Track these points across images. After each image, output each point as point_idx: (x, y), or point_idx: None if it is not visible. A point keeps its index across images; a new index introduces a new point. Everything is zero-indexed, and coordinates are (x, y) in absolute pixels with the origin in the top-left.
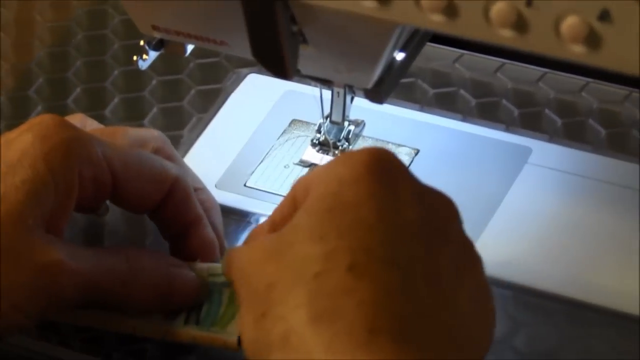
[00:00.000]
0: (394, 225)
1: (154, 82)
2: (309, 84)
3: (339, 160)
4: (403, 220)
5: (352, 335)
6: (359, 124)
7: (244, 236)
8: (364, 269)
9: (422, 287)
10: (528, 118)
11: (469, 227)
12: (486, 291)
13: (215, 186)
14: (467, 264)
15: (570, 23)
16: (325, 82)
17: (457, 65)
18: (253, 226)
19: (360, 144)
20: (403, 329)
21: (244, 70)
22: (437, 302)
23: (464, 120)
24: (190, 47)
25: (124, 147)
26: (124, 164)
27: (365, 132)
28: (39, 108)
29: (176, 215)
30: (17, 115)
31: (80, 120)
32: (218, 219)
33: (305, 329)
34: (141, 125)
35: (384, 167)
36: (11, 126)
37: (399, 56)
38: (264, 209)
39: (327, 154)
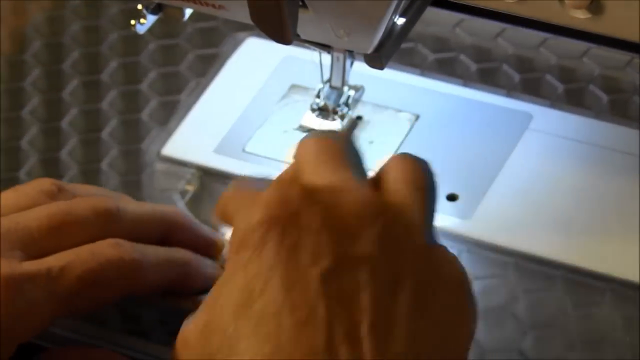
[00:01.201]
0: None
1: (151, 46)
2: (309, 49)
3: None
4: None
5: None
6: (358, 89)
7: None
8: None
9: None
10: (529, 83)
11: (469, 195)
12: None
13: (214, 151)
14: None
15: None
16: (324, 47)
17: (457, 30)
18: None
19: (359, 110)
20: None
21: (243, 34)
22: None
23: (464, 85)
24: (188, 11)
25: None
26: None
27: (364, 98)
28: (36, 72)
29: None
30: (15, 79)
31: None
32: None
33: None
34: (139, 91)
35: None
36: (9, 90)
37: (399, 21)
38: (262, 174)
39: (327, 119)
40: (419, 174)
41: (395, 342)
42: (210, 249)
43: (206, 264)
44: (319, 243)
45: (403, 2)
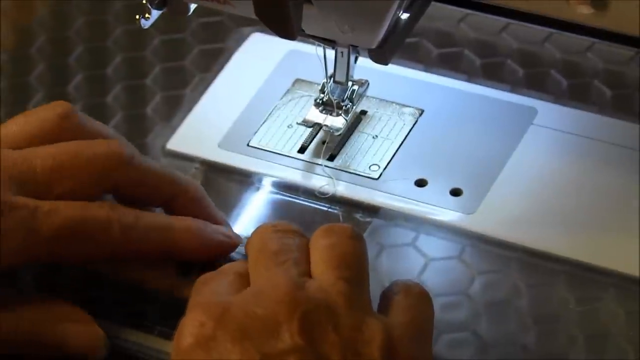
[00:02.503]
0: None
1: (156, 41)
2: (313, 44)
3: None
4: None
5: None
6: (362, 84)
7: (246, 196)
8: None
9: None
10: (533, 79)
11: (473, 190)
12: None
13: (218, 146)
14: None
15: None
16: (329, 42)
17: (462, 25)
18: (256, 186)
19: (364, 104)
20: None
21: (247, 29)
22: None
23: (468, 80)
24: (193, 6)
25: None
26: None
27: (369, 92)
28: (41, 66)
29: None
30: (18, 74)
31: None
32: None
33: None
34: (143, 85)
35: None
36: (13, 85)
37: (404, 16)
38: (267, 168)
39: (331, 114)
40: (336, 248)
41: None
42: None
43: (214, 231)
44: (244, 351)
45: None
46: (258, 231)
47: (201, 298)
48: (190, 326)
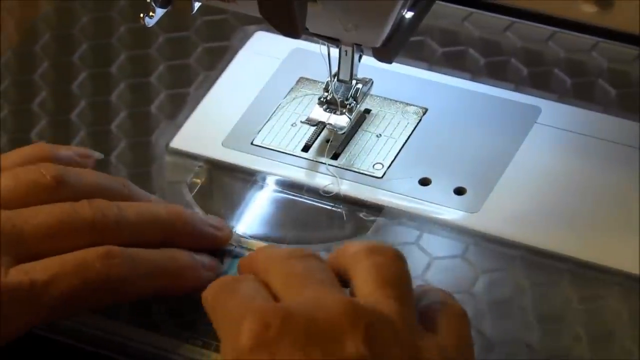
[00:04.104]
0: None
1: (160, 39)
2: (317, 42)
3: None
4: None
5: None
6: (366, 82)
7: (250, 194)
8: None
9: None
10: (537, 77)
11: (477, 188)
12: None
13: (222, 144)
14: None
15: None
16: (333, 41)
17: (466, 23)
18: (260, 185)
19: (368, 103)
20: None
21: (252, 27)
22: None
23: (472, 79)
24: (197, 5)
25: None
26: None
27: (373, 91)
28: (45, 64)
29: None
30: (24, 71)
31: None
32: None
33: None
34: (147, 84)
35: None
36: (17, 82)
37: (408, 14)
38: (270, 167)
39: (335, 113)
40: (385, 269)
41: None
42: (214, 244)
43: (200, 267)
44: (308, 355)
45: None
46: (270, 255)
47: (252, 302)
48: (253, 327)
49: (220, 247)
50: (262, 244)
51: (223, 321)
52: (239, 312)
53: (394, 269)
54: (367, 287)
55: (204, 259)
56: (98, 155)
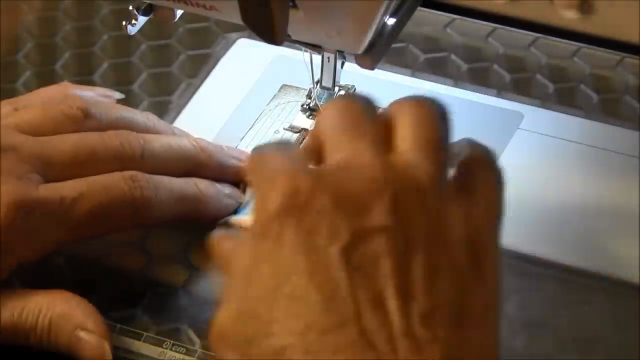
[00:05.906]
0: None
1: (143, 47)
2: (300, 49)
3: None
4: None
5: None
6: (349, 89)
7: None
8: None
9: None
10: (520, 83)
11: None
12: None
13: None
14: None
15: None
16: (315, 48)
17: (448, 30)
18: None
19: None
20: None
21: (234, 35)
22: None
23: (455, 85)
24: (179, 12)
25: None
26: None
27: None
28: (28, 73)
29: None
30: (7, 80)
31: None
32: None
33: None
34: (130, 91)
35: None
36: (1, 91)
37: (390, 21)
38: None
39: None
40: (426, 125)
41: (417, 301)
42: (237, 175)
43: (222, 196)
44: (333, 223)
45: (393, 3)
46: (328, 107)
47: (281, 167)
48: (281, 192)
49: (242, 179)
50: None
51: (258, 182)
52: (272, 175)
53: (439, 128)
54: (406, 144)
55: (226, 188)
56: (119, 95)
